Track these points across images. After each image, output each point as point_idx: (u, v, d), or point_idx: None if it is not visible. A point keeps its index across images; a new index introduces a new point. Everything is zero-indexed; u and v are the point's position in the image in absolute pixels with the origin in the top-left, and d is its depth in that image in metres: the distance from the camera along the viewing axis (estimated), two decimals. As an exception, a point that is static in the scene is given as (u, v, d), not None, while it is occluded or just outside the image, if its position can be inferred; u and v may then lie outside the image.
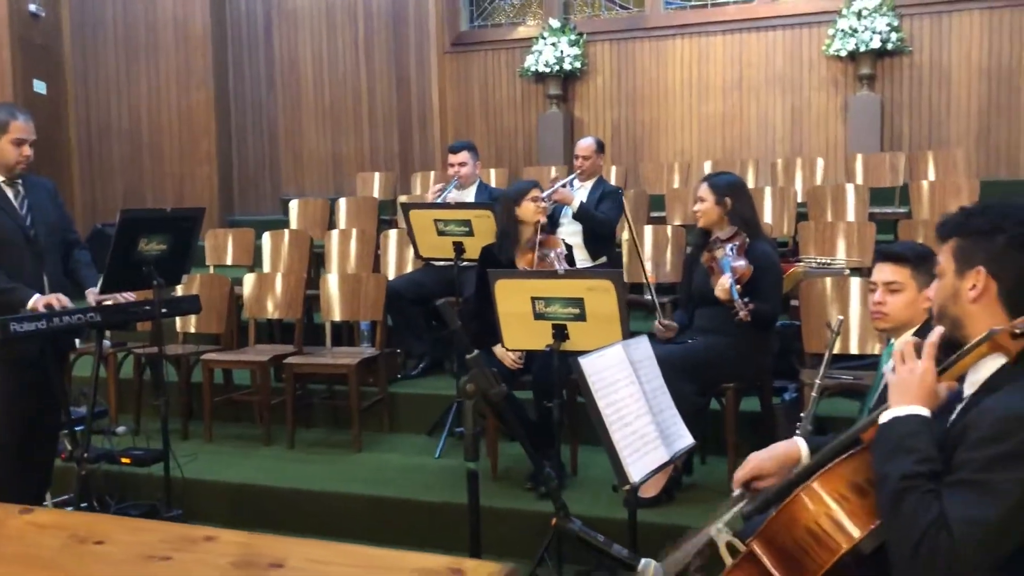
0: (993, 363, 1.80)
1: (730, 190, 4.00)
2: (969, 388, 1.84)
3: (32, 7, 7.75)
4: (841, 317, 3.24)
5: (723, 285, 3.71)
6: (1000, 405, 1.70)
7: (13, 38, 7.39)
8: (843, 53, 7.50)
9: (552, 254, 4.25)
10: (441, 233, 4.75)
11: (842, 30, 7.45)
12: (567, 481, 4.02)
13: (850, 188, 5.92)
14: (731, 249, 3.86)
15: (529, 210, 4.27)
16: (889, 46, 7.36)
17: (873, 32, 7.32)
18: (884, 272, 2.74)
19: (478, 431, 2.21)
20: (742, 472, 2.24)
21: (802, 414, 2.79)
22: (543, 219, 4.28)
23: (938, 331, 1.86)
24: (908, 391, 1.82)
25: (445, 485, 4.08)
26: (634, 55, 8.40)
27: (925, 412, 1.79)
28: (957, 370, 1.83)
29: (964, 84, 7.48)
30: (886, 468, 1.75)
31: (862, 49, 7.38)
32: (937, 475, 1.71)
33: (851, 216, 5.69)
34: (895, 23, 7.37)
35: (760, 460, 2.23)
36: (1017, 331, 1.74)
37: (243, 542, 1.72)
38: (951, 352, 1.85)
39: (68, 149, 8.55)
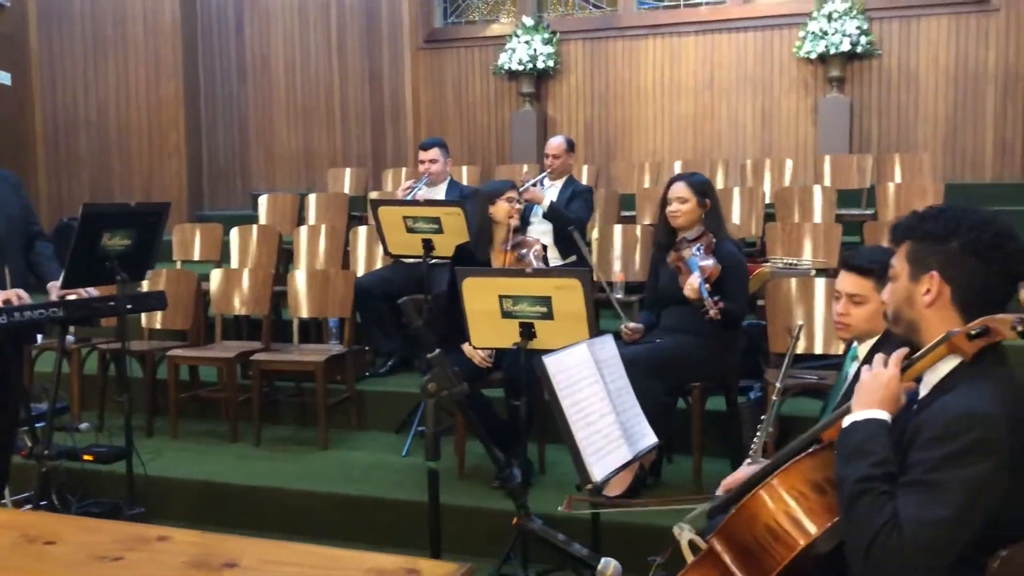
0: (949, 364, 1.82)
1: (709, 190, 4.03)
2: (925, 389, 1.87)
3: (-3, -3, 7.63)
4: (801, 323, 3.27)
5: (692, 284, 3.73)
6: (952, 404, 1.73)
7: (-22, 28, 7.29)
8: (813, 55, 7.57)
9: (530, 254, 4.25)
10: (410, 230, 4.73)
11: (812, 32, 7.51)
12: (534, 479, 4.02)
13: (817, 189, 5.97)
14: (698, 249, 3.88)
15: (502, 210, 4.26)
16: (859, 49, 7.44)
17: (843, 35, 7.39)
18: (847, 283, 2.71)
19: (440, 430, 2.21)
20: (731, 479, 2.32)
21: (763, 417, 2.81)
22: (515, 221, 4.28)
23: (903, 351, 1.88)
24: (871, 396, 1.84)
25: (411, 483, 4.06)
26: (607, 54, 8.42)
27: (884, 416, 1.82)
28: (915, 371, 1.85)
29: (931, 88, 7.57)
30: (845, 471, 1.78)
31: (832, 52, 7.45)
32: (893, 477, 1.74)
33: (818, 217, 5.74)
34: (865, 26, 7.44)
35: (751, 473, 2.26)
36: (973, 333, 1.76)
37: (197, 541, 1.70)
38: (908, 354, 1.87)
39: (34, 141, 8.43)
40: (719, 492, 2.32)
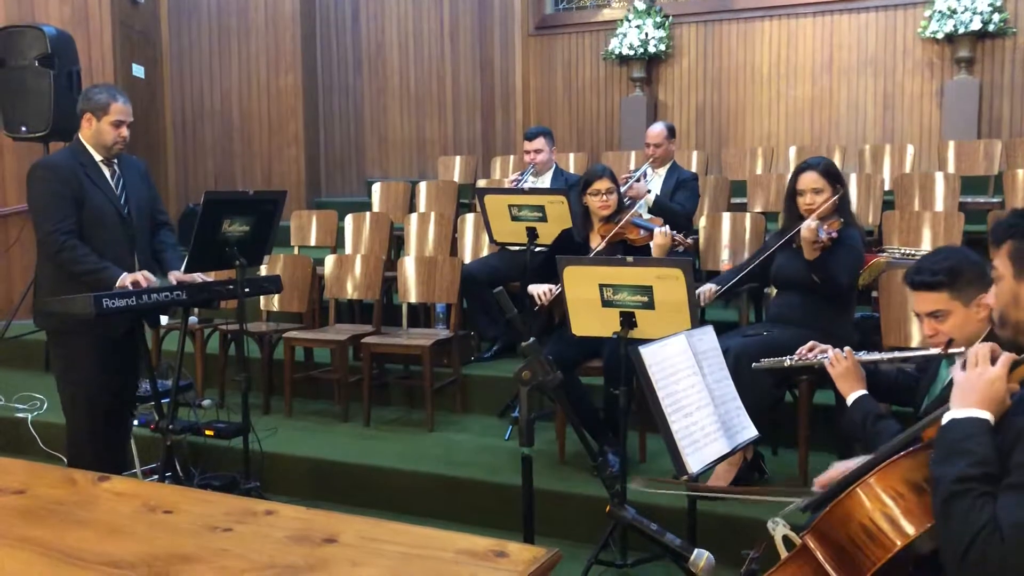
0: (1058, 366, 1.74)
1: (839, 175, 3.89)
2: (1033, 391, 1.79)
3: (132, -6, 8.04)
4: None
5: (810, 225, 3.68)
6: None
7: (115, 24, 7.68)
8: (940, 35, 7.23)
9: (630, 205, 4.40)
10: (515, 218, 4.78)
11: (939, 11, 7.17)
12: (632, 468, 4.02)
13: (939, 176, 5.71)
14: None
15: (591, 204, 4.30)
16: (991, 27, 7.05)
17: (973, 13, 7.02)
18: (920, 303, 2.50)
19: (533, 417, 2.24)
20: (824, 477, 2.26)
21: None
22: (606, 212, 4.31)
23: (1012, 355, 1.79)
24: (972, 393, 1.77)
25: (512, 467, 4.12)
26: (721, 37, 8.26)
27: (986, 416, 1.75)
28: (1020, 373, 1.77)
29: (1071, 67, 7.12)
30: (940, 470, 1.72)
31: (960, 31, 7.09)
32: (992, 479, 1.67)
33: (939, 206, 5.50)
34: (998, 3, 7.05)
35: (845, 469, 2.22)
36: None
37: (301, 516, 1.80)
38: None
39: (164, 131, 8.87)
40: (814, 489, 2.27)
